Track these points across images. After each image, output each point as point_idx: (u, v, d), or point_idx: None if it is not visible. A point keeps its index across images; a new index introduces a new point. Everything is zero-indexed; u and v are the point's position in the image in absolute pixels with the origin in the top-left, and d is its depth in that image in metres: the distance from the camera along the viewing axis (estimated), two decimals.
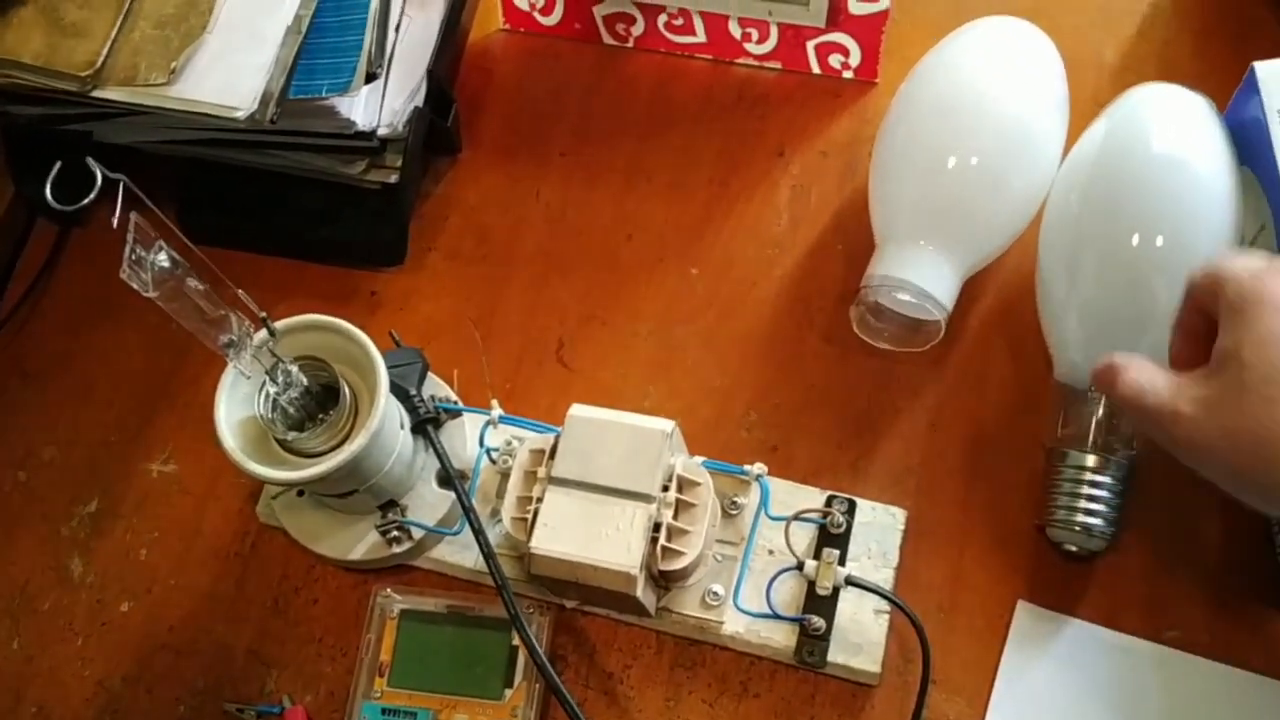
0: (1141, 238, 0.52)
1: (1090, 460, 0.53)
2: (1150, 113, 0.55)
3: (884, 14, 0.62)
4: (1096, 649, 0.53)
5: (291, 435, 0.51)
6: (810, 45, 0.65)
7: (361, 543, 0.56)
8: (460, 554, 0.57)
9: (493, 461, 0.57)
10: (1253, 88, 0.53)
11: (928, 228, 0.56)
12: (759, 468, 0.56)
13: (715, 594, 0.54)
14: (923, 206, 0.57)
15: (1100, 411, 0.53)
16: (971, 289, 0.59)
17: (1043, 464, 0.55)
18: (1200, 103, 0.55)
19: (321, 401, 0.53)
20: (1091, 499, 0.53)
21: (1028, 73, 0.58)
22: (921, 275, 0.55)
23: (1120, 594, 0.54)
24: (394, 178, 0.63)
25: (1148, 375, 0.46)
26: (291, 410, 0.52)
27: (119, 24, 0.61)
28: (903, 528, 0.55)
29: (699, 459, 0.55)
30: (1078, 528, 0.53)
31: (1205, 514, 0.55)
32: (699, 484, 0.53)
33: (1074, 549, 0.54)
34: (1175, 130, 0.54)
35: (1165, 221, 0.52)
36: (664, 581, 0.54)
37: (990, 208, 0.56)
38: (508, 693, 0.54)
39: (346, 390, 0.51)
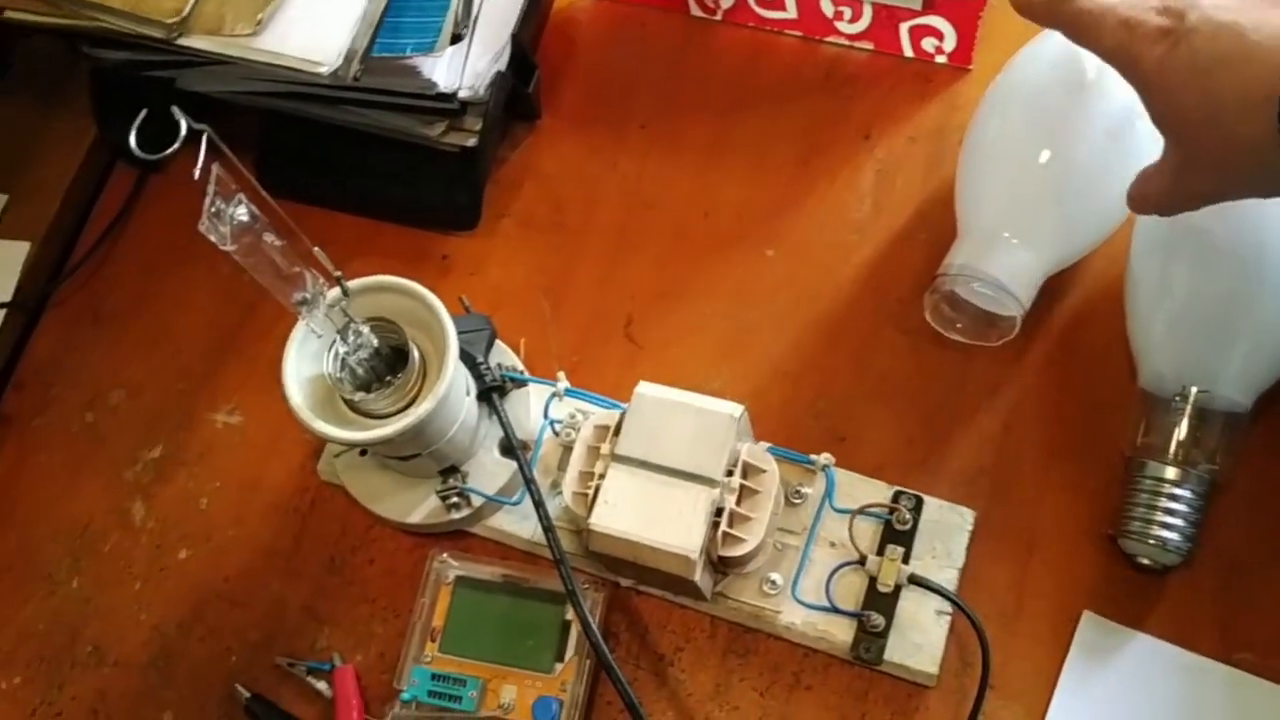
0: (1236, 248, 0.50)
1: (1170, 472, 0.51)
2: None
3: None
4: (1164, 666, 0.52)
5: (359, 396, 0.50)
6: (904, 27, 0.63)
7: (421, 506, 0.56)
8: (518, 524, 0.57)
9: (556, 434, 0.57)
10: None
11: (1013, 222, 0.54)
12: (826, 458, 0.55)
13: (773, 583, 0.53)
14: (1010, 199, 0.55)
15: (1184, 423, 0.52)
16: (1056, 286, 0.57)
17: (1120, 473, 0.54)
18: None
19: (390, 363, 0.52)
20: (1169, 512, 0.51)
21: None
22: (1001, 269, 0.54)
23: (1192, 612, 0.53)
24: (472, 141, 0.62)
25: None
26: (360, 371, 0.51)
27: None
28: (971, 528, 0.54)
29: (765, 445, 0.54)
30: (1153, 540, 0.51)
31: None
32: (765, 471, 0.52)
33: (1147, 562, 0.52)
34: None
35: (1263, 232, 0.50)
36: (722, 567, 0.53)
37: (1082, 207, 0.55)
38: (558, 667, 0.54)
39: (416, 353, 0.51)
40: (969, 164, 0.58)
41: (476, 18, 0.61)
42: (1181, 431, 0.52)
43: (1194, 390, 0.51)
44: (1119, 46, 0.44)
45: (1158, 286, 0.53)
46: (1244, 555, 0.53)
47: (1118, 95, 0.54)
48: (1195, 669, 0.52)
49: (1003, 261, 0.54)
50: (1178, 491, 0.51)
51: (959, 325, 0.58)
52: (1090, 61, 0.55)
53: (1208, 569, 0.53)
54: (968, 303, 0.57)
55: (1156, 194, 0.47)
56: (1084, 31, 0.46)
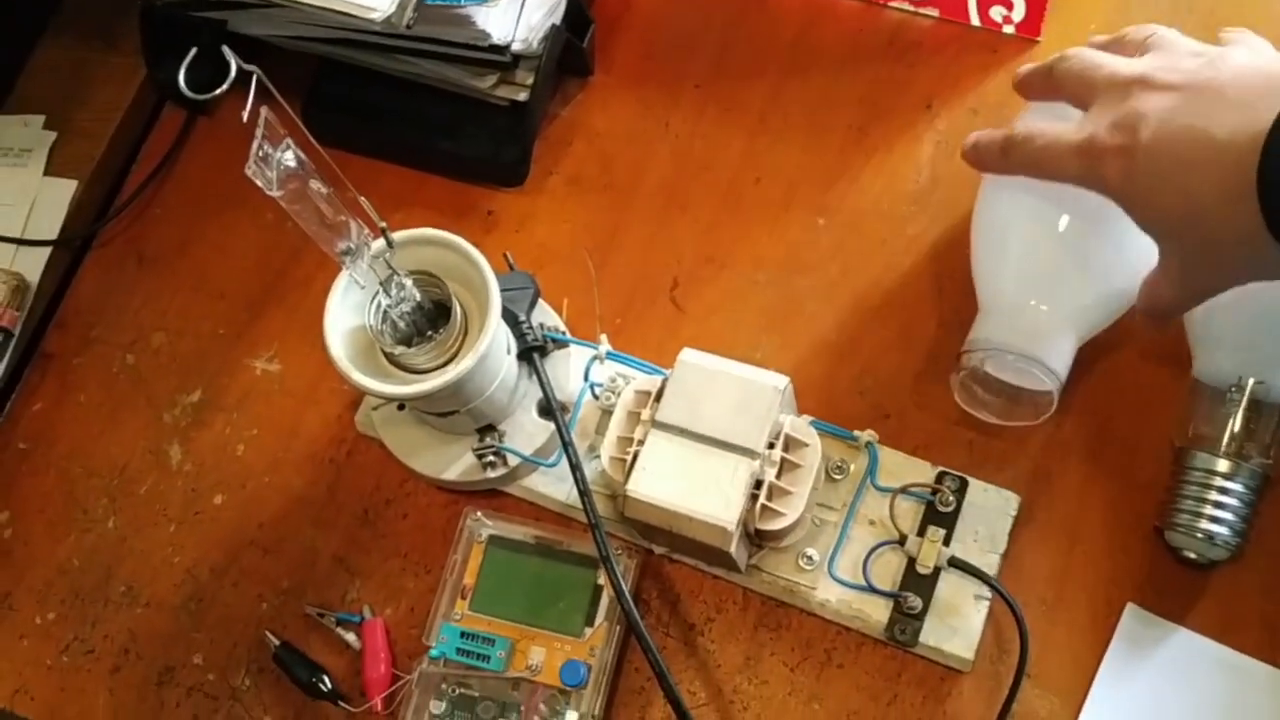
0: None
1: (1221, 465, 0.50)
2: None
3: None
4: (1207, 663, 0.51)
5: (399, 350, 0.50)
6: None
7: (457, 463, 0.56)
8: (554, 486, 0.56)
9: (595, 397, 0.56)
10: None
11: (1040, 290, 0.52)
12: (870, 434, 0.53)
13: (810, 558, 0.52)
14: (1034, 271, 0.52)
15: (1239, 414, 0.50)
16: None
17: (1169, 465, 0.52)
18: None
19: (432, 318, 0.52)
20: (1218, 505, 0.50)
21: None
22: (1033, 341, 0.51)
23: (1238, 609, 0.51)
24: (523, 95, 0.61)
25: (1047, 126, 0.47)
26: (401, 324, 0.51)
27: None
28: (1014, 513, 0.53)
29: (808, 418, 0.53)
30: (1200, 534, 0.50)
31: None
32: (807, 445, 0.51)
33: (1193, 556, 0.51)
34: None
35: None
36: (758, 540, 0.52)
37: (1108, 267, 0.51)
38: (588, 631, 0.54)
39: (459, 309, 0.50)
40: (983, 239, 0.55)
41: None
42: (1236, 423, 0.50)
43: (1250, 381, 0.50)
44: (1083, 173, 0.45)
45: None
46: (1276, 541, 0.52)
47: None
48: (1239, 668, 0.50)
49: (1034, 332, 0.51)
50: (1229, 485, 0.50)
51: (990, 404, 0.54)
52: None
53: (1256, 566, 0.52)
54: (998, 380, 0.54)
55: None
56: (1044, 168, 0.47)
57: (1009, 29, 0.62)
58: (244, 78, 0.43)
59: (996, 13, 0.62)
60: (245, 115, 0.40)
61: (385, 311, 0.50)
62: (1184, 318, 0.53)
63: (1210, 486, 0.50)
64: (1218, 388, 0.51)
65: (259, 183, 0.41)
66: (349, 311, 0.51)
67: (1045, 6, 0.60)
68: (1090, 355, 0.56)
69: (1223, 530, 0.50)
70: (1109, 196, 0.45)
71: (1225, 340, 0.51)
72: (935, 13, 0.63)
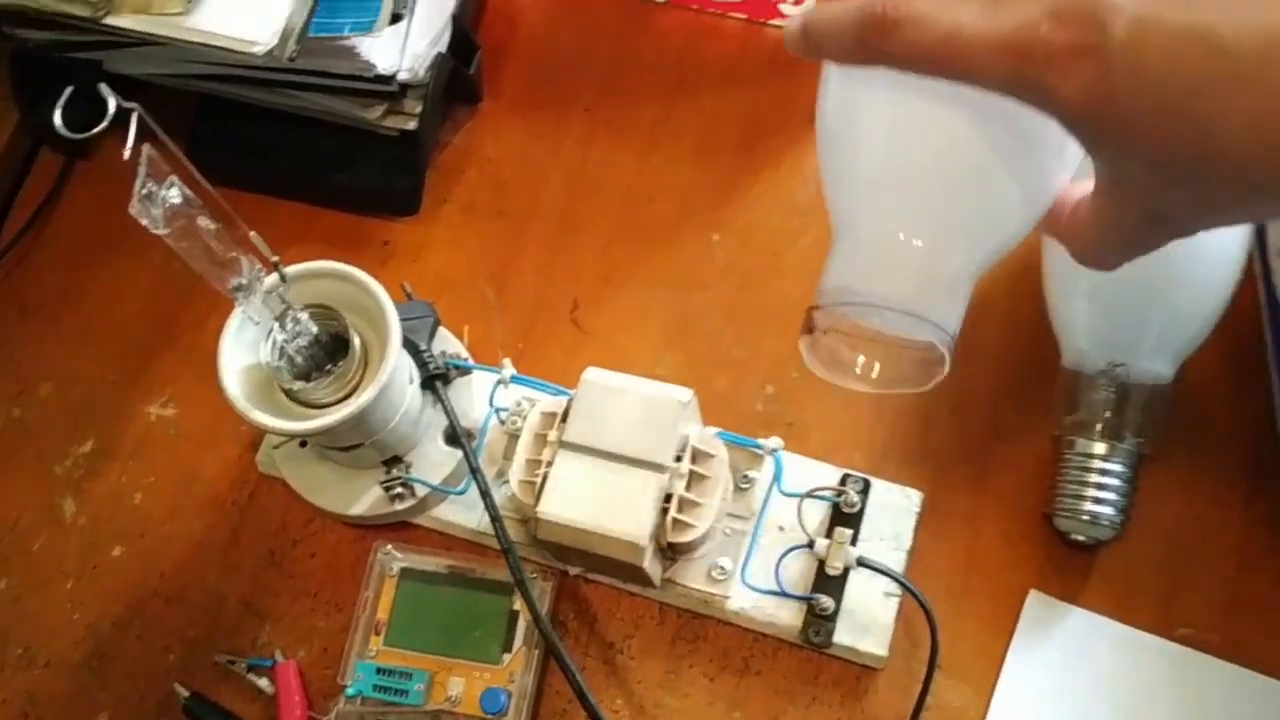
0: None
1: (1098, 448, 0.52)
2: None
3: None
4: (1107, 642, 0.52)
5: (298, 385, 0.49)
6: None
7: (364, 498, 0.55)
8: (464, 514, 0.56)
9: (501, 422, 0.56)
10: None
11: (913, 217, 0.37)
12: (774, 442, 0.54)
13: (722, 568, 0.53)
14: (902, 186, 0.37)
15: (1108, 398, 0.52)
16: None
17: (1052, 453, 0.54)
18: None
19: (330, 351, 0.51)
20: (1099, 487, 0.52)
21: None
22: (906, 289, 0.37)
23: (1133, 587, 0.53)
24: (412, 124, 0.61)
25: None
26: (299, 359, 0.50)
27: None
28: (918, 510, 0.54)
29: (714, 430, 0.54)
30: (1085, 517, 0.52)
31: (1222, 508, 0.54)
32: (713, 456, 0.51)
33: (1082, 538, 0.53)
34: None
35: None
36: (671, 553, 0.53)
37: (997, 179, 0.37)
38: (506, 657, 0.53)
39: (357, 341, 0.50)
40: (831, 147, 0.39)
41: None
42: (1106, 407, 0.52)
43: (1115, 365, 0.52)
44: (1013, 80, 0.31)
45: (1071, 265, 0.53)
46: (1179, 527, 0.54)
47: None
48: (1137, 644, 0.52)
49: (905, 276, 0.37)
50: (1107, 466, 0.52)
51: (861, 369, 0.42)
52: None
53: (1143, 542, 0.54)
54: (872, 333, 0.41)
55: (1114, 250, 0.36)
56: (945, 67, 0.32)
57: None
58: (123, 116, 0.42)
59: None
60: (126, 153, 0.40)
61: (282, 347, 0.49)
62: (1048, 309, 0.55)
63: (1089, 470, 0.52)
64: (1087, 374, 0.53)
65: (144, 221, 0.41)
66: (244, 349, 0.50)
67: None
68: (980, 344, 0.57)
69: (1106, 510, 0.51)
70: (1059, 118, 0.31)
71: (1088, 328, 0.53)
72: None
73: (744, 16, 0.66)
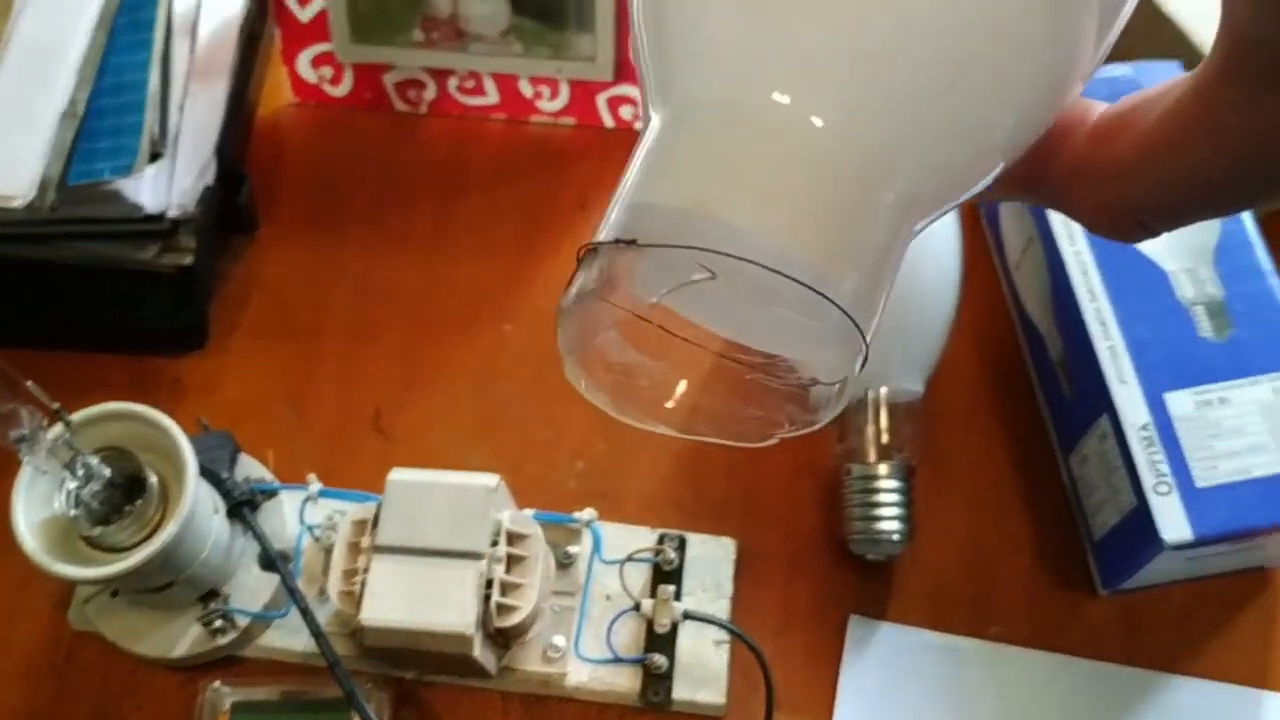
0: None
1: (873, 470, 0.55)
2: None
3: None
4: (928, 653, 0.55)
5: (98, 530, 0.48)
6: (601, 99, 0.67)
7: (184, 638, 0.54)
8: (290, 638, 0.55)
9: (316, 539, 0.56)
10: None
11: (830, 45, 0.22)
12: (588, 513, 0.56)
13: (556, 646, 0.54)
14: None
15: (872, 420, 0.55)
16: None
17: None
18: None
19: (128, 492, 0.50)
20: (881, 505, 0.54)
21: None
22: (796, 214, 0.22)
23: (942, 596, 0.56)
24: (189, 260, 0.61)
25: None
26: (95, 505, 0.49)
27: None
28: (734, 557, 0.56)
29: (529, 512, 0.55)
30: (873, 536, 0.54)
31: (1006, 507, 0.58)
32: (528, 535, 0.52)
33: (879, 557, 0.56)
34: None
35: None
36: (503, 639, 0.53)
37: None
38: None
39: (153, 478, 0.49)
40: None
41: (177, 135, 0.61)
42: (871, 429, 0.55)
43: (874, 391, 0.55)
44: None
45: None
46: (972, 532, 0.57)
47: None
48: (955, 649, 0.55)
49: (797, 194, 0.22)
50: (884, 484, 0.54)
51: (651, 387, 0.28)
52: None
53: (943, 552, 0.57)
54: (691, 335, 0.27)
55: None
56: None
57: (640, 125, 0.68)
58: None
59: (626, 111, 0.67)
60: None
61: (76, 494, 0.48)
62: None
63: (869, 491, 0.55)
64: (851, 402, 0.56)
65: None
66: (38, 503, 0.49)
67: None
68: None
69: (890, 525, 0.54)
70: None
71: None
72: (572, 120, 0.68)
73: (504, 117, 0.69)
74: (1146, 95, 0.25)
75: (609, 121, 0.68)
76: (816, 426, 0.26)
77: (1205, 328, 0.53)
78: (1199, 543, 0.50)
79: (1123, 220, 0.26)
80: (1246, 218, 0.55)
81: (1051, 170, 0.26)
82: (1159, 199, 0.25)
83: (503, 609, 0.51)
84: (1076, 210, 0.27)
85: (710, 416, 0.27)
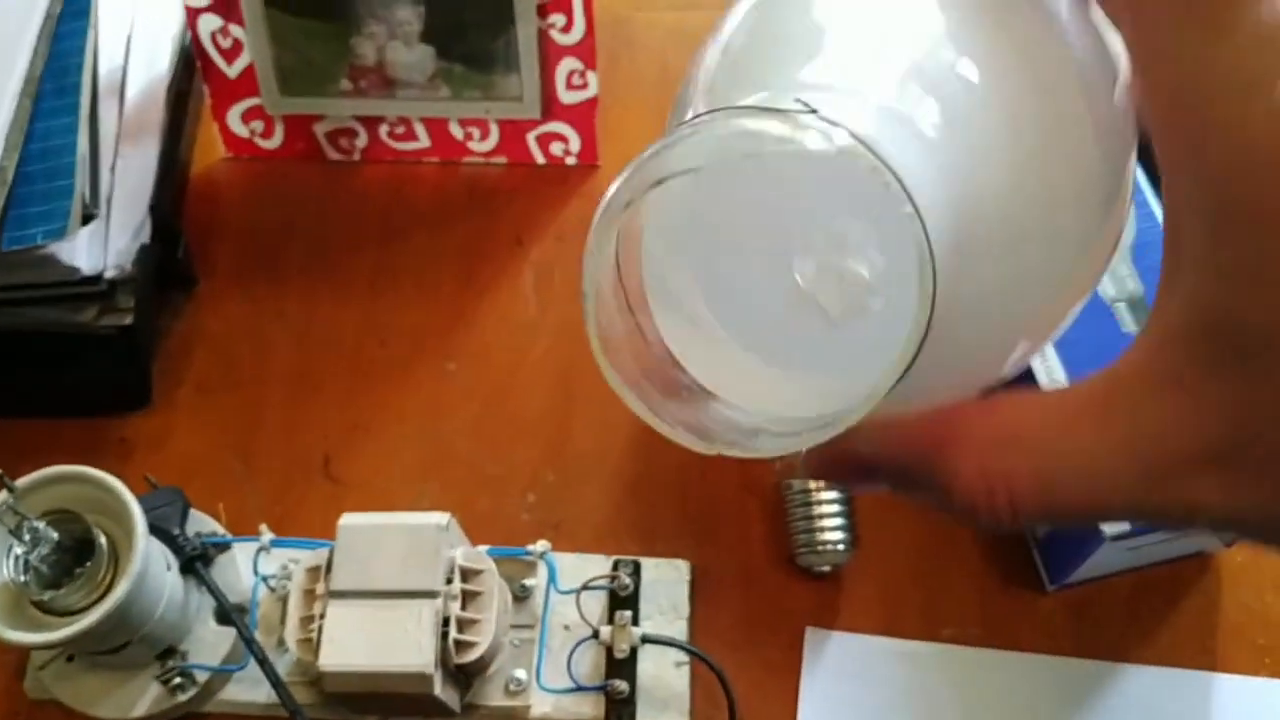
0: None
1: (811, 484, 0.56)
2: None
3: (594, 100, 0.66)
4: (884, 659, 0.56)
5: (49, 594, 0.48)
6: (530, 137, 0.68)
7: (144, 697, 0.53)
8: (252, 690, 0.55)
9: (271, 589, 0.56)
10: None
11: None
12: (542, 545, 0.56)
13: (518, 679, 0.54)
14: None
15: None
16: None
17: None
18: None
19: (78, 555, 0.50)
20: (822, 517, 0.55)
21: None
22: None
23: (893, 602, 0.57)
24: (129, 320, 0.61)
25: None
26: (45, 569, 0.49)
27: None
28: (689, 579, 0.57)
29: (483, 547, 0.55)
30: (819, 548, 0.55)
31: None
32: (482, 571, 0.53)
33: (827, 568, 0.56)
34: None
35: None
36: (464, 676, 0.53)
37: None
38: None
39: (102, 539, 0.49)
40: None
41: (110, 195, 0.61)
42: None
43: None
44: None
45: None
46: (918, 538, 0.58)
47: None
48: (910, 654, 0.56)
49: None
50: (823, 496, 0.56)
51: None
52: None
53: (891, 559, 0.58)
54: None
55: None
56: None
57: (571, 160, 0.69)
58: None
59: (556, 148, 0.68)
60: None
61: (25, 560, 0.48)
62: None
63: (809, 504, 0.56)
64: None
65: None
66: None
67: (595, 136, 0.68)
68: None
69: (834, 535, 0.55)
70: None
71: None
72: (504, 160, 0.69)
73: (437, 160, 0.70)
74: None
75: (540, 158, 0.69)
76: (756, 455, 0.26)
77: (1128, 323, 0.54)
78: (1136, 533, 0.51)
79: (998, 495, 0.24)
80: (1159, 213, 0.57)
81: (938, 419, 0.24)
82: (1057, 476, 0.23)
83: (461, 645, 0.51)
84: (950, 472, 0.25)
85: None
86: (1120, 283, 0.55)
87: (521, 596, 0.56)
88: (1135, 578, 0.57)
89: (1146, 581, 0.57)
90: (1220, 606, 0.57)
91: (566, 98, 0.66)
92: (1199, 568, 0.58)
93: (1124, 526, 0.50)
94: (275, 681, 0.51)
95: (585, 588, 0.56)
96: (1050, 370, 0.54)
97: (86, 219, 0.58)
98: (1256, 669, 0.56)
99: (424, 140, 0.69)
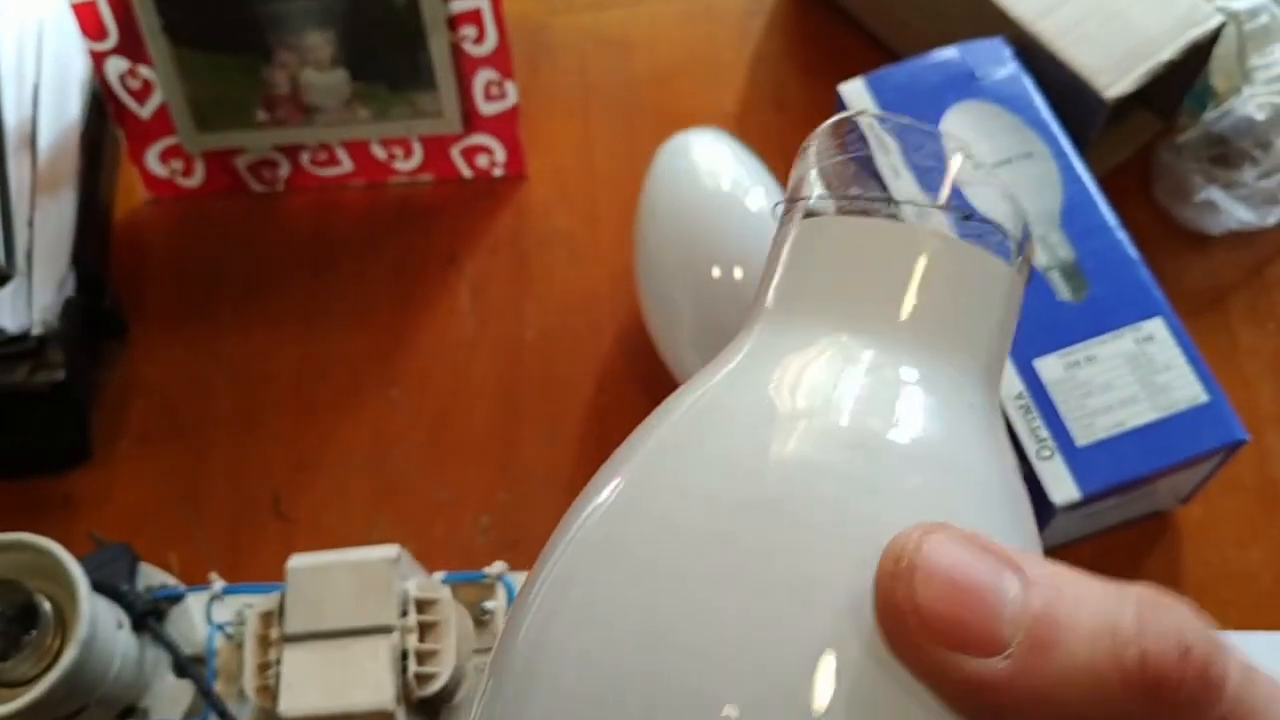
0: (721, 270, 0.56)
1: None
2: (681, 160, 0.59)
3: (515, 110, 0.65)
4: None
5: None
6: (455, 152, 0.67)
7: None
8: None
9: (229, 637, 0.55)
10: (844, 107, 0.58)
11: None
12: (498, 567, 0.56)
13: None
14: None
15: None
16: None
17: None
18: (725, 138, 0.59)
19: (23, 624, 0.49)
20: None
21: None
22: None
23: None
24: (61, 375, 0.60)
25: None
26: None
27: None
28: None
29: (439, 575, 0.55)
30: None
31: None
32: (437, 600, 0.52)
33: None
34: (707, 168, 0.58)
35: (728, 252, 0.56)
36: (430, 708, 0.53)
37: None
38: None
39: (45, 605, 0.48)
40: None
41: (30, 251, 0.60)
42: None
43: None
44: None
45: (672, 319, 0.57)
46: None
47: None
48: None
49: None
50: None
51: None
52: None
53: None
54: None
55: None
56: None
57: (498, 172, 0.68)
58: None
59: (482, 160, 0.68)
60: None
61: None
62: (665, 361, 0.59)
63: None
64: None
65: None
66: None
67: (521, 147, 0.67)
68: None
69: None
70: None
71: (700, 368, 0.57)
72: (430, 177, 0.69)
73: (363, 183, 0.69)
74: None
75: (466, 172, 0.68)
76: None
77: (1063, 291, 0.54)
78: (1088, 500, 0.51)
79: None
80: (1087, 178, 0.57)
81: None
82: None
83: (422, 678, 0.50)
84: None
85: None
86: (1051, 250, 0.55)
87: (483, 620, 0.55)
88: (1096, 543, 0.57)
89: (1107, 545, 0.57)
90: (1182, 564, 0.57)
91: (486, 109, 0.65)
92: (1159, 528, 0.58)
93: (1074, 495, 0.50)
94: None
95: None
96: None
97: (3, 280, 0.57)
98: (1223, 623, 0.55)
99: (347, 164, 0.68)
